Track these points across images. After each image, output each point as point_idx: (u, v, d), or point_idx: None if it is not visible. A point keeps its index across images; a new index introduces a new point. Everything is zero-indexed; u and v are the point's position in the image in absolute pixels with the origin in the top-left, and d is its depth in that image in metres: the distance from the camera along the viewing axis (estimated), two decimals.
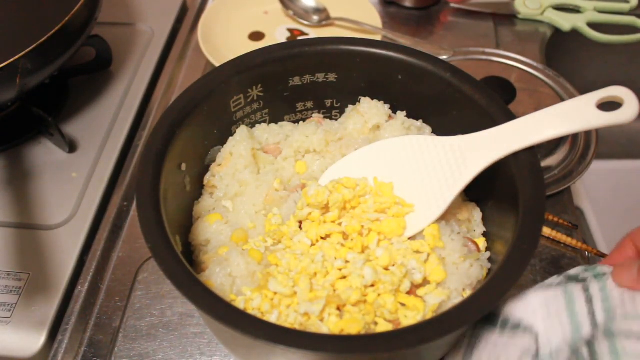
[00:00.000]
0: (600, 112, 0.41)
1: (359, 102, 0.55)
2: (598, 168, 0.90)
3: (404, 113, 0.54)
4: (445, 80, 0.49)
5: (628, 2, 0.88)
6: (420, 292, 0.44)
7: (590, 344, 0.35)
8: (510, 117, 0.45)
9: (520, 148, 0.43)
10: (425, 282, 0.45)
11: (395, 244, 0.46)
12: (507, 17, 0.87)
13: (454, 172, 0.46)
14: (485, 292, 0.37)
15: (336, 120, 0.58)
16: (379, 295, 0.42)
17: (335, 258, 0.44)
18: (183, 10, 0.90)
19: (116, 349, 0.53)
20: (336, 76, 0.54)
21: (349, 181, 0.48)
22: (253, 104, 0.54)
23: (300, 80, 0.54)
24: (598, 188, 0.94)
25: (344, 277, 0.44)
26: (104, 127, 0.71)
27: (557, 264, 0.58)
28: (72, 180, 0.66)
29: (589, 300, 0.37)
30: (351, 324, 0.40)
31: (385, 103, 0.55)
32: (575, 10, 0.88)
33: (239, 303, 0.42)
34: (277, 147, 0.54)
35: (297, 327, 0.40)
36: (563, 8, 0.88)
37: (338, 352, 0.34)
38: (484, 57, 0.78)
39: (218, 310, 0.36)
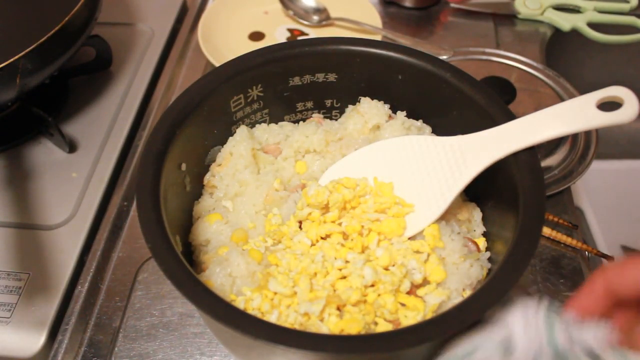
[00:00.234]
0: (600, 112, 0.41)
1: (359, 102, 0.55)
2: (598, 168, 0.90)
3: (404, 113, 0.54)
4: (445, 80, 0.49)
5: (628, 2, 0.88)
6: (420, 292, 0.44)
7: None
8: (510, 117, 0.45)
9: (520, 148, 0.43)
10: (425, 282, 0.45)
11: (395, 244, 0.46)
12: (507, 17, 0.87)
13: (454, 172, 0.46)
14: (485, 292, 0.37)
15: (336, 120, 0.58)
16: (379, 295, 0.42)
17: (335, 258, 0.44)
18: (183, 10, 0.90)
19: (116, 349, 0.53)
20: (336, 76, 0.54)
21: (349, 181, 0.48)
22: (253, 104, 0.54)
23: (300, 80, 0.54)
24: (598, 188, 0.93)
25: (344, 277, 0.44)
26: (104, 127, 0.71)
27: (557, 264, 0.58)
28: (72, 180, 0.66)
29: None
30: (351, 324, 0.40)
31: (385, 103, 0.55)
32: (575, 10, 0.88)
33: (239, 303, 0.42)
34: (277, 147, 0.54)
35: (297, 327, 0.40)
36: (563, 8, 0.88)
37: (338, 352, 0.34)
38: (484, 57, 0.78)
39: (218, 310, 0.36)
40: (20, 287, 0.56)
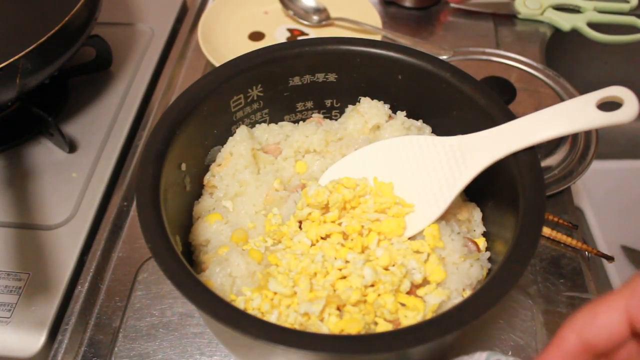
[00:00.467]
0: (600, 112, 0.41)
1: (359, 102, 0.55)
2: (598, 168, 0.90)
3: (404, 113, 0.54)
4: (445, 80, 0.49)
5: (628, 2, 0.88)
6: (420, 292, 0.44)
7: None
8: (510, 117, 0.45)
9: (520, 148, 0.43)
10: (425, 282, 0.45)
11: (395, 244, 0.46)
12: (507, 17, 0.87)
13: (454, 172, 0.46)
14: (485, 292, 0.37)
15: (336, 120, 0.58)
16: (379, 295, 0.42)
17: (335, 258, 0.44)
18: (183, 10, 0.90)
19: (116, 349, 0.53)
20: (336, 76, 0.54)
21: (349, 181, 0.48)
22: (253, 104, 0.54)
23: (300, 80, 0.54)
24: (598, 188, 0.94)
25: (344, 277, 0.44)
26: (104, 127, 0.71)
27: (557, 264, 0.58)
28: (72, 180, 0.66)
29: None
30: (351, 324, 0.40)
31: (385, 103, 0.55)
32: (575, 10, 0.88)
33: (239, 303, 0.42)
34: (277, 147, 0.54)
35: (297, 327, 0.40)
36: (563, 8, 0.88)
37: (338, 352, 0.34)
38: (484, 57, 0.78)
39: (218, 310, 0.36)
40: (20, 287, 0.56)
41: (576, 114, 0.41)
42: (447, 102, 0.51)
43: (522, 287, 0.56)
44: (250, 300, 0.41)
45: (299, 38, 0.81)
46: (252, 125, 0.55)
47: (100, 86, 0.76)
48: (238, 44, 0.81)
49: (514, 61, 0.78)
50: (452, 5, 0.89)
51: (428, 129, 0.54)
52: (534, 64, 0.77)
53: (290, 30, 0.84)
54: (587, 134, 0.68)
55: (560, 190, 0.63)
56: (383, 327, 0.41)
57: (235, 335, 0.36)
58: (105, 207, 0.64)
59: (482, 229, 0.50)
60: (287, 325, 0.40)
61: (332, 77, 0.54)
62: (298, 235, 0.47)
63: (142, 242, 0.43)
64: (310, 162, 0.53)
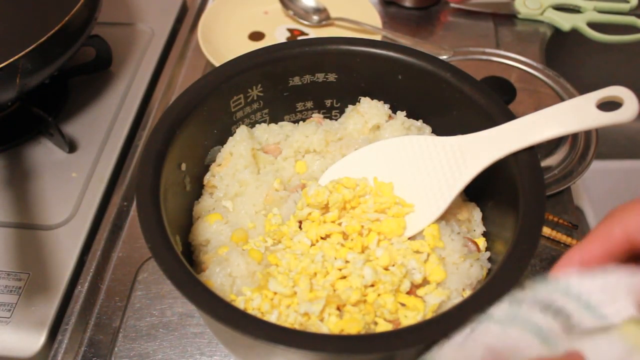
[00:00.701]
0: (600, 112, 0.41)
1: (359, 102, 0.55)
2: (598, 168, 0.90)
3: (404, 113, 0.54)
4: (445, 80, 0.49)
5: (628, 2, 0.88)
6: (420, 292, 0.44)
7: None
8: (510, 117, 0.45)
9: (520, 148, 0.43)
10: (425, 282, 0.45)
11: (395, 244, 0.46)
12: (507, 17, 0.87)
13: (454, 172, 0.46)
14: (485, 292, 0.37)
15: (336, 120, 0.58)
16: (379, 295, 0.42)
17: (335, 258, 0.44)
18: (183, 10, 0.90)
19: (116, 349, 0.53)
20: (336, 76, 0.54)
21: (349, 181, 0.48)
22: (253, 104, 0.54)
23: (300, 80, 0.54)
24: (598, 188, 0.93)
25: (344, 277, 0.44)
26: (104, 127, 0.71)
27: None
28: (72, 180, 0.66)
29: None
30: (351, 324, 0.40)
31: (385, 103, 0.55)
32: (575, 10, 0.88)
33: (239, 303, 0.42)
34: (277, 147, 0.54)
35: (297, 327, 0.40)
36: (563, 8, 0.88)
37: (338, 352, 0.34)
38: (484, 57, 0.78)
39: (218, 310, 0.36)
40: (20, 287, 0.56)
41: (576, 114, 0.41)
42: (447, 102, 0.50)
43: (522, 287, 0.56)
44: (250, 300, 0.41)
45: (299, 38, 0.81)
46: (252, 125, 0.55)
47: (100, 86, 0.76)
48: (238, 44, 0.81)
49: (514, 61, 0.78)
50: (452, 5, 0.89)
51: (428, 129, 0.54)
52: (534, 64, 0.77)
53: (290, 30, 0.84)
54: (587, 134, 0.68)
55: (560, 190, 0.63)
56: (383, 327, 0.41)
57: (235, 335, 0.36)
58: (105, 207, 0.64)
59: (482, 229, 0.50)
60: (287, 325, 0.40)
61: (332, 77, 0.54)
62: (298, 235, 0.47)
63: (142, 242, 0.43)
64: (310, 162, 0.53)
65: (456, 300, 0.44)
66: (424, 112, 0.54)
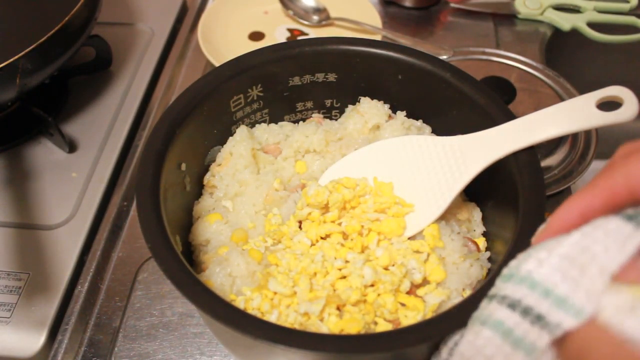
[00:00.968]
0: (600, 111, 0.41)
1: (359, 102, 0.55)
2: (598, 168, 0.89)
3: (404, 113, 0.54)
4: (445, 80, 0.49)
5: (628, 2, 0.88)
6: (420, 292, 0.44)
7: None
8: (510, 117, 0.45)
9: (520, 148, 0.43)
10: (425, 282, 0.45)
11: (395, 244, 0.46)
12: (507, 17, 0.87)
13: (454, 171, 0.46)
14: (486, 292, 0.37)
15: (336, 120, 0.58)
16: (378, 295, 0.42)
17: (335, 258, 0.44)
18: (183, 10, 0.90)
19: (116, 349, 0.53)
20: (336, 76, 0.54)
21: (349, 181, 0.48)
22: (253, 104, 0.54)
23: (300, 80, 0.54)
24: None
25: (344, 277, 0.44)
26: (104, 127, 0.71)
27: None
28: (72, 180, 0.66)
29: None
30: (351, 324, 0.40)
31: (385, 103, 0.55)
32: (575, 10, 0.88)
33: (239, 303, 0.42)
34: (277, 147, 0.54)
35: (297, 327, 0.40)
36: (563, 8, 0.88)
37: (338, 352, 0.34)
38: (484, 57, 0.78)
39: (218, 310, 0.36)
40: (20, 287, 0.56)
41: (576, 114, 0.41)
42: (447, 102, 0.50)
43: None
44: (250, 300, 0.41)
45: (299, 38, 0.81)
46: (252, 125, 0.55)
47: (100, 86, 0.76)
48: (238, 44, 0.81)
49: (514, 61, 0.77)
50: (452, 5, 0.89)
51: (428, 129, 0.54)
52: (534, 64, 0.77)
53: (290, 30, 0.84)
54: (587, 134, 0.68)
55: (560, 190, 0.63)
56: (383, 327, 0.41)
57: (235, 335, 0.36)
58: (105, 207, 0.64)
59: (482, 229, 0.50)
60: (287, 325, 0.40)
61: (332, 77, 0.54)
62: (298, 235, 0.47)
63: (142, 242, 0.43)
64: (310, 162, 0.53)
65: (456, 300, 0.44)
66: (424, 112, 0.54)
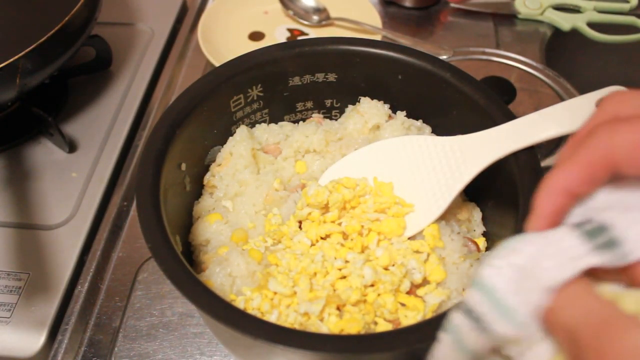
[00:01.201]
0: None
1: (359, 102, 0.55)
2: None
3: (404, 113, 0.54)
4: (445, 80, 0.49)
5: (628, 2, 0.88)
6: (420, 292, 0.44)
7: None
8: (510, 117, 0.45)
9: (520, 148, 0.43)
10: (425, 282, 0.45)
11: (395, 244, 0.46)
12: (507, 17, 0.87)
13: (454, 172, 0.46)
14: None
15: (336, 120, 0.58)
16: (378, 295, 0.42)
17: (335, 258, 0.44)
18: (183, 10, 0.90)
19: (116, 349, 0.53)
20: (336, 76, 0.54)
21: (349, 181, 0.48)
22: (253, 104, 0.54)
23: (300, 80, 0.54)
24: None
25: (344, 277, 0.44)
26: (104, 127, 0.71)
27: None
28: (72, 180, 0.66)
29: None
30: (351, 324, 0.40)
31: (385, 103, 0.55)
32: (575, 10, 0.88)
33: (239, 303, 0.42)
34: (277, 147, 0.54)
35: (297, 327, 0.40)
36: (563, 8, 0.88)
37: (338, 352, 0.34)
38: (484, 57, 0.78)
39: (218, 310, 0.36)
40: (20, 287, 0.56)
41: (576, 114, 0.41)
42: (447, 102, 0.50)
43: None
44: (250, 300, 0.41)
45: (299, 38, 0.81)
46: (252, 125, 0.55)
47: (100, 86, 0.76)
48: (238, 44, 0.81)
49: (514, 61, 0.78)
50: (452, 5, 0.89)
51: (428, 129, 0.54)
52: (534, 64, 0.77)
53: (290, 30, 0.84)
54: None
55: None
56: (383, 327, 0.41)
57: (235, 335, 0.36)
58: (105, 207, 0.64)
59: (482, 229, 0.50)
60: (287, 325, 0.40)
61: (332, 77, 0.54)
62: (298, 235, 0.47)
63: (142, 242, 0.43)
64: (310, 162, 0.53)
65: (456, 300, 0.44)
66: (424, 112, 0.54)
